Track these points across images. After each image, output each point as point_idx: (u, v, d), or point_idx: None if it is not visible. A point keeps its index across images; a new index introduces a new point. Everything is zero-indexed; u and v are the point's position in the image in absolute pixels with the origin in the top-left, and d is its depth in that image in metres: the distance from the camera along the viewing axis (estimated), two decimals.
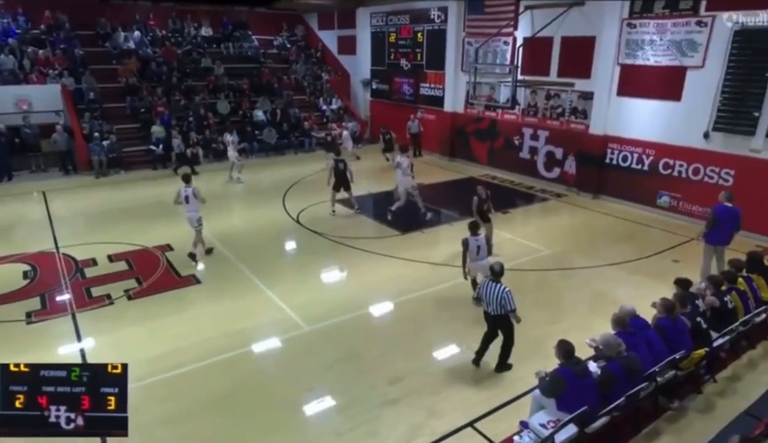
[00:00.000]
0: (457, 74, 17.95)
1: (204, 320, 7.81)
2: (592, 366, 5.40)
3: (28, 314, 7.81)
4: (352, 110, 22.02)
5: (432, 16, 18.36)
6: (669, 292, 6.55)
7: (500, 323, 6.42)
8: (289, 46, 24.29)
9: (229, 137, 15.94)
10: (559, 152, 15.22)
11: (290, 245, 11.23)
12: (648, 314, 6.24)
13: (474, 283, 8.23)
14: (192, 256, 9.65)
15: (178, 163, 16.36)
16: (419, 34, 19.11)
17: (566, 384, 4.90)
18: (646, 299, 6.52)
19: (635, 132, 13.18)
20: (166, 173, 16.35)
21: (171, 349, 6.92)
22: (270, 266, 9.72)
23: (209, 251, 10.14)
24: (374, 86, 21.99)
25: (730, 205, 8.58)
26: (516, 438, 5.19)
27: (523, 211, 13.80)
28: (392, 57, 20.58)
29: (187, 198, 9.50)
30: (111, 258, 9.83)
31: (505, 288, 6.21)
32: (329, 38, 24.45)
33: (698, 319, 6.13)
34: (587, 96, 14.14)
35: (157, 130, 17.09)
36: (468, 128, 18.01)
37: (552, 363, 5.23)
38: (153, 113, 17.85)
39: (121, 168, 16.40)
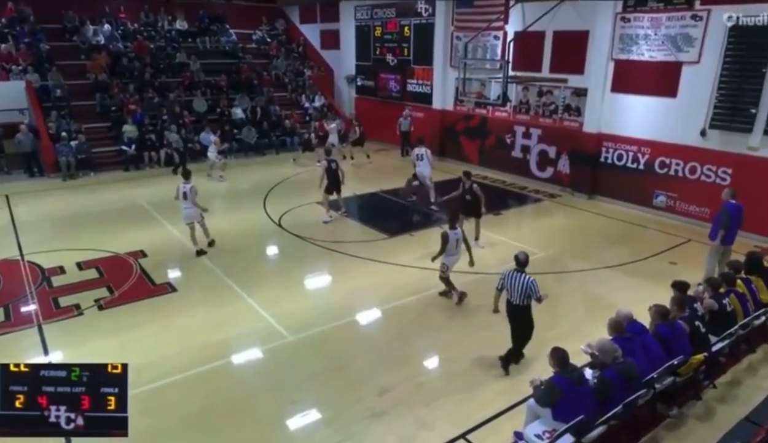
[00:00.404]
0: (445, 70, 18.04)
1: (180, 330, 7.73)
2: (588, 374, 5.45)
3: None
4: (336, 108, 22.01)
5: (419, 10, 18.44)
6: (666, 295, 6.63)
7: (522, 314, 6.55)
8: (269, 40, 24.22)
9: (212, 137, 16.09)
10: (552, 151, 15.36)
11: (272, 250, 11.17)
12: (645, 318, 6.31)
13: (447, 280, 8.31)
14: (212, 243, 10.55)
15: (180, 160, 16.46)
16: (406, 28, 19.19)
17: (562, 393, 4.93)
18: (643, 302, 6.59)
19: (630, 130, 13.35)
20: (138, 175, 16.21)
21: (145, 362, 6.83)
22: (250, 272, 9.66)
23: (211, 243, 10.61)
24: (359, 83, 22.01)
25: (734, 202, 8.73)
26: None
27: (515, 212, 13.89)
28: (378, 52, 20.63)
29: (185, 194, 10.00)
30: (80, 266, 9.70)
31: (530, 278, 6.41)
32: (311, 32, 24.42)
33: (697, 323, 6.21)
34: (581, 92, 14.30)
35: (128, 129, 16.92)
36: (458, 126, 18.10)
37: (547, 371, 5.27)
38: (124, 112, 17.65)
39: (91, 170, 16.19)
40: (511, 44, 15.12)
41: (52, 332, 7.59)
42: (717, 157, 11.85)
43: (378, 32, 20.39)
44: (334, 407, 6.14)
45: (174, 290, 8.98)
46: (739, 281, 7.19)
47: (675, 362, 5.72)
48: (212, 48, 22.27)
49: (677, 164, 12.59)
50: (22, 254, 10.18)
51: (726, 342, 6.45)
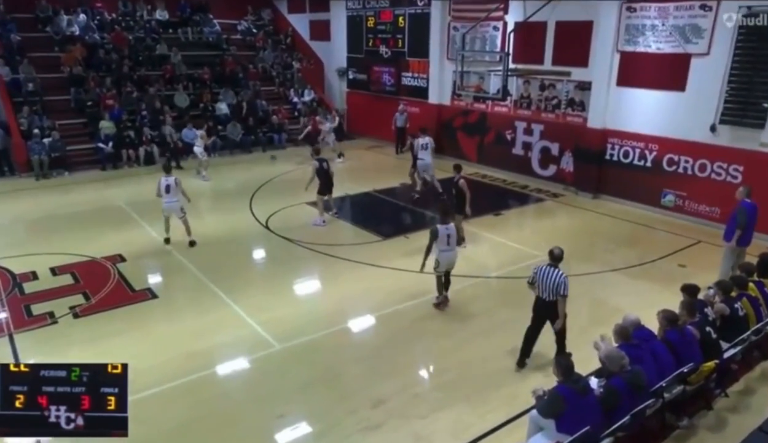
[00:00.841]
0: (442, 63, 18.07)
1: (161, 339, 7.69)
2: (594, 383, 5.46)
3: None
4: (326, 103, 22.01)
5: None
6: (675, 299, 6.66)
7: (552, 311, 6.67)
8: (255, 31, 24.17)
9: (197, 132, 16.14)
10: (555, 148, 15.41)
11: (259, 254, 11.15)
12: (653, 324, 6.34)
13: (440, 281, 8.32)
14: (192, 243, 10.66)
15: (171, 155, 16.48)
16: (400, 19, 19.20)
17: (566, 403, 4.94)
18: (651, 307, 6.62)
19: (637, 125, 13.41)
20: (116, 174, 16.15)
21: None
22: (236, 277, 9.63)
23: (191, 244, 10.70)
24: (351, 76, 22.01)
25: (750, 201, 8.79)
26: None
27: (516, 212, 13.93)
28: (371, 44, 20.63)
29: (168, 187, 10.29)
30: (54, 271, 9.64)
31: (563, 275, 6.53)
32: (300, 22, 24.40)
33: (707, 328, 6.24)
34: (585, 86, 14.36)
35: (105, 126, 16.83)
36: (455, 121, 18.13)
37: (550, 381, 5.28)
38: (101, 107, 17.58)
39: (65, 169, 16.10)
40: (512, 35, 15.16)
41: (24, 342, 7.53)
42: (728, 154, 11.92)
43: (371, 23, 20.40)
44: (326, 420, 6.12)
45: (154, 296, 8.94)
46: (751, 285, 7.22)
47: (685, 370, 5.74)
48: (195, 39, 22.21)
49: (686, 162, 12.66)
50: None
51: (738, 348, 6.47)
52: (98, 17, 20.80)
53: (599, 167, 14.27)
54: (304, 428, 6.01)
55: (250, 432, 5.97)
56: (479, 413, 6.21)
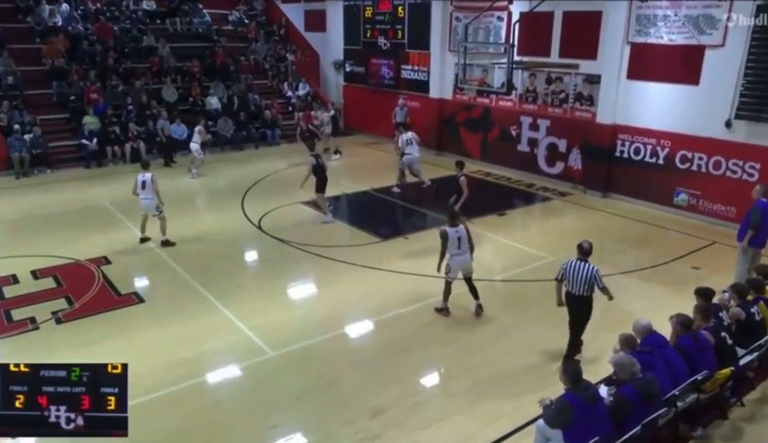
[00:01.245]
0: (444, 55, 18.08)
1: (149, 346, 7.68)
2: (603, 391, 5.47)
3: None
4: (322, 97, 22.01)
5: None
6: (689, 303, 6.68)
7: (585, 305, 6.99)
8: (247, 21, 24.18)
9: (196, 127, 16.04)
10: (562, 144, 15.43)
11: (251, 256, 11.15)
12: (665, 329, 6.34)
13: (448, 287, 8.32)
14: (166, 243, 10.66)
15: (164, 152, 16.62)
16: (400, 9, 19.20)
17: (574, 412, 4.94)
18: (664, 311, 6.64)
19: (648, 121, 13.43)
20: (100, 172, 16.13)
21: None
22: (227, 280, 9.63)
23: (165, 243, 10.74)
24: (348, 69, 22.02)
25: (765, 200, 8.81)
26: None
27: (521, 212, 13.95)
28: (368, 35, 20.64)
29: (144, 183, 10.42)
30: (35, 274, 9.64)
31: (594, 267, 6.87)
32: (294, 13, 24.39)
33: (723, 334, 6.25)
34: (593, 80, 14.37)
35: (89, 121, 16.83)
36: (457, 117, 18.15)
37: (558, 389, 5.28)
38: (85, 101, 17.54)
39: (47, 166, 16.10)
40: (517, 26, 15.15)
41: (4, 348, 7.51)
42: (744, 150, 11.94)
43: (369, 13, 20.39)
44: (322, 430, 6.12)
45: (141, 300, 8.94)
46: None
47: (699, 377, 5.75)
48: (183, 30, 22.18)
49: (700, 159, 12.68)
50: None
51: (755, 354, 6.48)
52: (82, 7, 20.78)
53: (609, 165, 14.28)
54: (298, 439, 6.02)
55: None
56: (482, 423, 6.21)
